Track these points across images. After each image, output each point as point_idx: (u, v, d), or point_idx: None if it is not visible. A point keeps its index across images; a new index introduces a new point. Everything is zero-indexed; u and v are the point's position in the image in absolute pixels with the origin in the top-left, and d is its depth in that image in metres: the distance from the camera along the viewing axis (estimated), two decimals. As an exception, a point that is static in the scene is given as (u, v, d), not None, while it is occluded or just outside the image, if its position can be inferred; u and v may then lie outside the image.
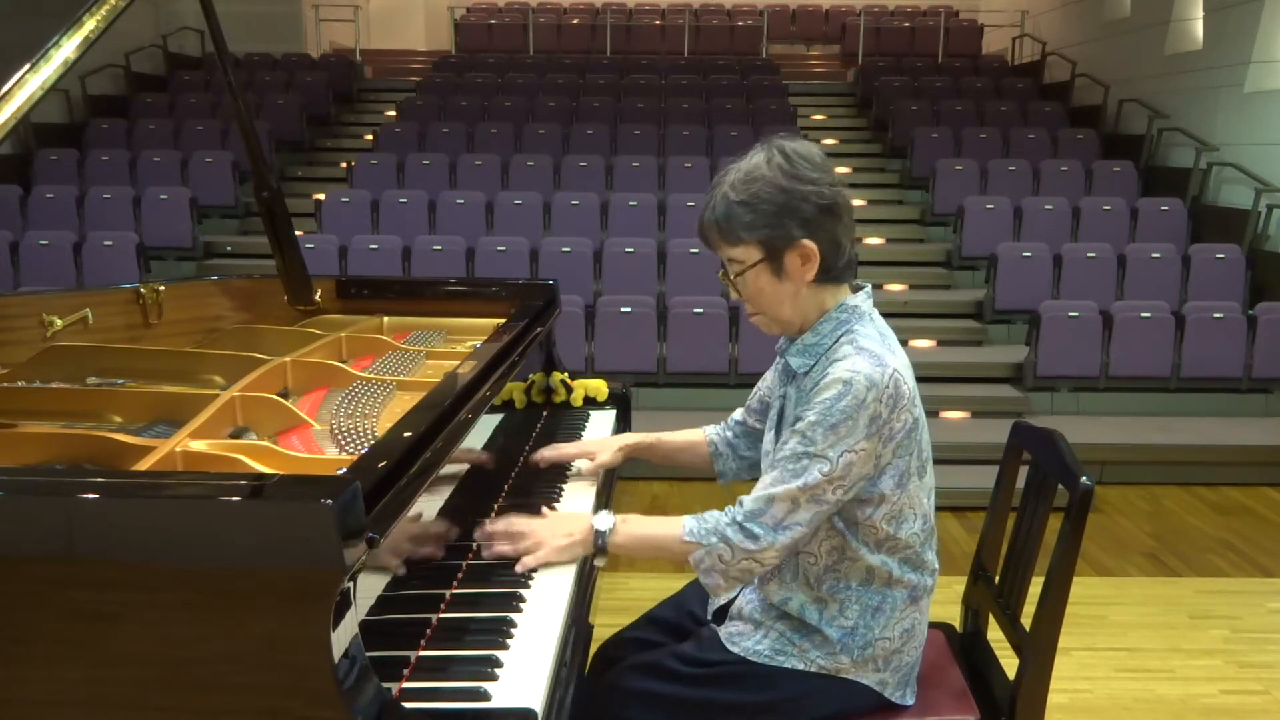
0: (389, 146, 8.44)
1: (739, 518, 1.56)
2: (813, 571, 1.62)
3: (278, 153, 8.73)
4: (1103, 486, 4.99)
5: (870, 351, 1.53)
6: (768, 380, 1.87)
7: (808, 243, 1.54)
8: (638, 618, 1.94)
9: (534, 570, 1.60)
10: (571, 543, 1.63)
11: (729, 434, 1.97)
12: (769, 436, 1.72)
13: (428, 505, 1.52)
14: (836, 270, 1.58)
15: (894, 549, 1.60)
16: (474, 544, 1.66)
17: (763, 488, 1.55)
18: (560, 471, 2.06)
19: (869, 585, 1.62)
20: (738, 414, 1.96)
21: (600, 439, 2.12)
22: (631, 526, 1.64)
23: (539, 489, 1.97)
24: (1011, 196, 7.38)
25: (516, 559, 1.60)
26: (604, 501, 1.98)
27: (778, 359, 1.74)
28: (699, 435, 2.01)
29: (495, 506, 1.87)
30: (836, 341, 1.57)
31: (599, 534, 1.63)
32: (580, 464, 2.07)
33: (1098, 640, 3.39)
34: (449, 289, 2.81)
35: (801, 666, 1.63)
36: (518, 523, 1.66)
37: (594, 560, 1.66)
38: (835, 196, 1.55)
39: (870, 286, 1.67)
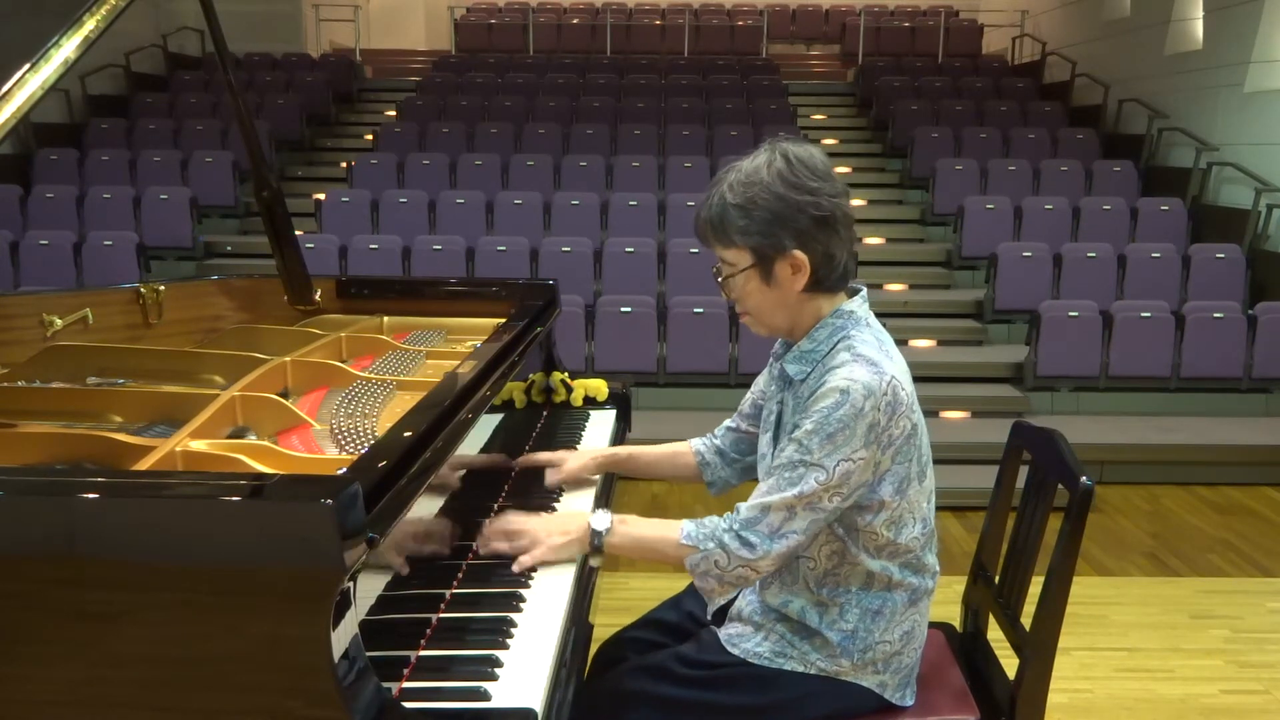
0: (389, 146, 8.44)
1: (735, 525, 1.55)
2: (812, 576, 1.62)
3: (278, 153, 8.73)
4: (1103, 486, 4.99)
5: (868, 359, 1.51)
6: (760, 385, 1.85)
7: (799, 254, 1.52)
8: (638, 618, 1.94)
9: (533, 570, 1.60)
10: (568, 541, 1.62)
11: (717, 442, 1.93)
12: (764, 439, 1.71)
13: (428, 505, 1.52)
14: (829, 282, 1.57)
15: (894, 554, 1.60)
16: (474, 544, 1.66)
17: (759, 496, 1.54)
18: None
19: (869, 589, 1.61)
20: (729, 421, 1.93)
21: (575, 451, 2.07)
22: (630, 528, 1.63)
23: (538, 489, 1.97)
24: (1011, 196, 7.38)
25: (513, 557, 1.60)
26: (603, 502, 1.97)
27: (772, 362, 1.73)
28: (683, 447, 1.97)
29: (495, 506, 1.87)
30: (833, 348, 1.56)
31: (595, 534, 1.61)
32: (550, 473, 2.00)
33: (1098, 640, 3.39)
34: (449, 289, 2.81)
35: (801, 669, 1.63)
36: (515, 521, 1.65)
37: (590, 560, 1.65)
38: (833, 209, 1.52)
39: (866, 289, 1.65)
